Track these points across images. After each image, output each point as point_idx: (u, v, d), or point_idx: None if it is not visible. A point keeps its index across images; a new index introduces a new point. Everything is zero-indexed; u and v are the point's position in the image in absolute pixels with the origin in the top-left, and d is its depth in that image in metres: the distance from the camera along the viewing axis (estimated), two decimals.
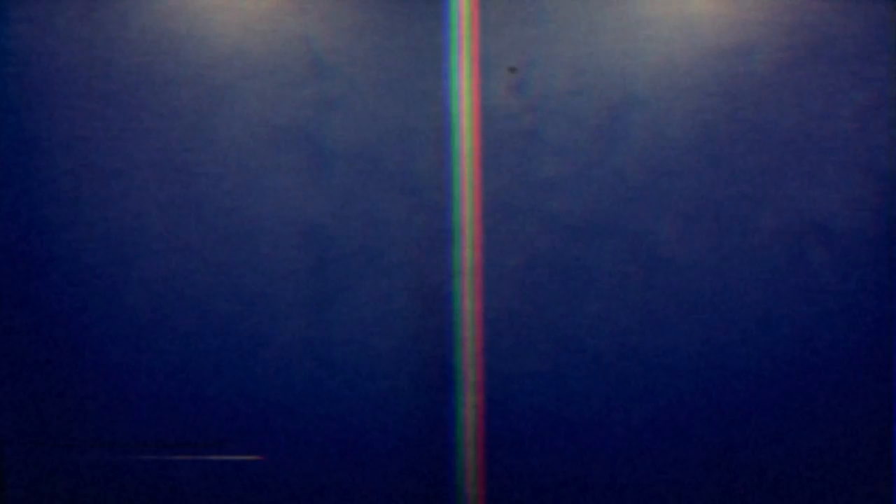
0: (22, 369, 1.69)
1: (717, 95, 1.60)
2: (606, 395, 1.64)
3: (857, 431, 1.63)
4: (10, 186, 1.66)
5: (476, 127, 1.63)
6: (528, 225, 1.63)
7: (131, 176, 1.65)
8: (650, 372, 1.63)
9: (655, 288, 1.63)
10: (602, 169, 1.62)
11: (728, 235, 1.61)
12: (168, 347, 1.66)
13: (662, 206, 1.62)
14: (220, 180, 1.65)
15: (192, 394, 1.67)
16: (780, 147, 1.60)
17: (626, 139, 1.61)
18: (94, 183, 1.65)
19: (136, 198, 1.65)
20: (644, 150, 1.61)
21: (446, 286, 1.64)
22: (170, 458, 1.68)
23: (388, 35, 1.63)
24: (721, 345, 1.62)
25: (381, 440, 1.67)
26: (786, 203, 1.60)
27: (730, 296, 1.62)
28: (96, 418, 1.68)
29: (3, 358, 1.69)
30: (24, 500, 1.70)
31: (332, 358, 1.66)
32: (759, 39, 1.60)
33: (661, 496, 1.65)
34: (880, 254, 1.60)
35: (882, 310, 1.61)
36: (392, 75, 1.63)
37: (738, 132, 1.60)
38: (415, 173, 1.64)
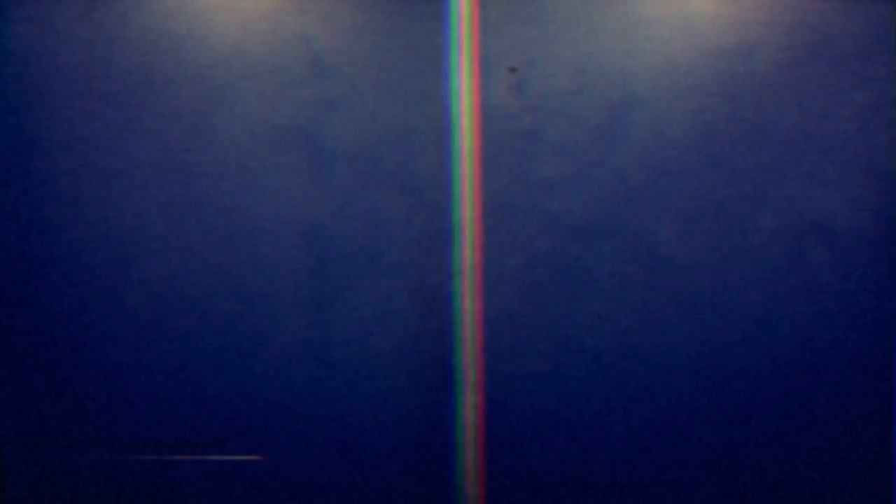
0: (22, 369, 1.69)
1: (717, 95, 1.60)
2: (606, 395, 1.64)
3: (857, 431, 1.63)
4: (10, 186, 1.66)
5: (476, 127, 1.63)
6: (528, 225, 1.63)
7: (131, 176, 1.65)
8: (650, 372, 1.63)
9: (655, 288, 1.63)
10: (602, 169, 1.62)
11: (728, 235, 1.61)
12: (168, 347, 1.66)
13: (662, 206, 1.62)
14: (220, 180, 1.65)
15: (192, 394, 1.67)
16: (780, 147, 1.60)
17: (626, 139, 1.61)
18: (94, 183, 1.65)
19: (136, 198, 1.65)
20: (644, 150, 1.61)
21: (446, 286, 1.64)
22: (170, 458, 1.68)
23: (388, 35, 1.63)
24: (721, 345, 1.62)
25: (381, 440, 1.67)
26: (786, 203, 1.61)
27: (730, 296, 1.62)
28: (96, 418, 1.68)
29: (3, 358, 1.69)
30: (24, 500, 1.70)
31: (332, 358, 1.66)
32: (759, 39, 1.60)
33: (661, 496, 1.65)
34: (880, 254, 1.60)
35: (882, 310, 1.61)
36: (392, 75, 1.63)
37: (738, 132, 1.60)
38: (415, 173, 1.64)
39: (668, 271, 1.62)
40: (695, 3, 1.60)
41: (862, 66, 1.59)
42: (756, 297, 1.62)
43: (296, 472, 1.68)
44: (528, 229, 1.63)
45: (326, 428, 1.67)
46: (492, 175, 1.63)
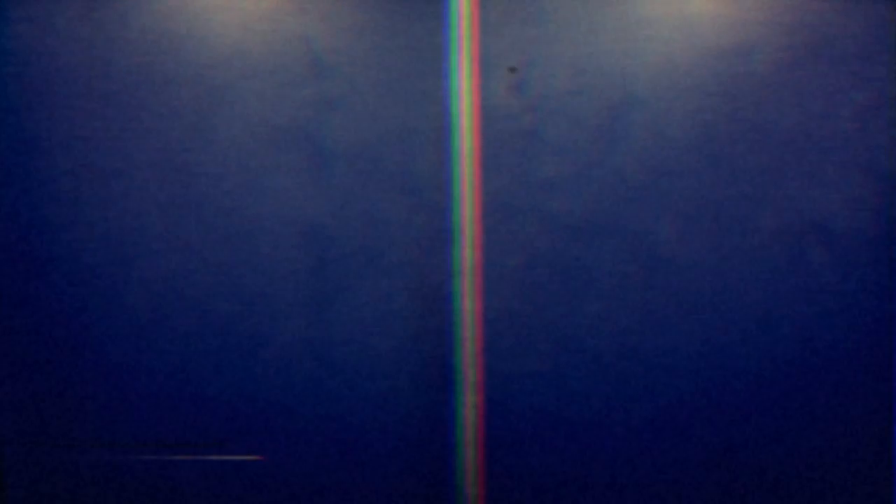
0: (22, 369, 1.69)
1: (717, 95, 1.60)
2: (606, 395, 1.64)
3: (857, 431, 1.63)
4: (10, 186, 1.66)
5: (476, 127, 1.63)
6: (528, 225, 1.63)
7: (131, 176, 1.65)
8: (650, 372, 1.63)
9: (655, 288, 1.63)
10: (602, 169, 1.62)
11: (728, 235, 1.61)
12: (168, 347, 1.66)
13: (662, 206, 1.62)
14: (220, 180, 1.65)
15: (192, 394, 1.67)
16: (780, 147, 1.60)
17: (626, 139, 1.61)
18: (94, 183, 1.65)
19: (136, 198, 1.65)
20: (644, 150, 1.61)
21: (446, 286, 1.64)
22: (170, 458, 1.68)
23: (388, 35, 1.63)
24: (721, 345, 1.62)
25: (381, 440, 1.67)
26: (786, 203, 1.60)
27: (730, 296, 1.62)
28: (96, 418, 1.68)
29: (3, 358, 1.69)
30: (24, 500, 1.70)
31: (332, 358, 1.66)
32: (759, 39, 1.60)
33: (661, 496, 1.65)
34: (880, 254, 1.61)
35: (882, 310, 1.61)
36: (392, 75, 1.63)
37: (738, 132, 1.60)
38: (415, 173, 1.64)
39: (668, 271, 1.62)
40: (695, 3, 1.60)
41: (862, 66, 1.59)
42: (756, 297, 1.62)
43: (296, 472, 1.68)
44: (528, 229, 1.63)
45: (326, 428, 1.67)
46: (492, 175, 1.63)
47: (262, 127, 1.64)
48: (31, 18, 1.64)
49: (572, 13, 1.61)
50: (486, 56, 1.62)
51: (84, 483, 1.69)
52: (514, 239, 1.63)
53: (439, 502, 1.67)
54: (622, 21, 1.61)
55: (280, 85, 1.64)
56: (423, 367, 1.65)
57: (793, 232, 1.61)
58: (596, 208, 1.62)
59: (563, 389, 1.64)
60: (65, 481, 1.70)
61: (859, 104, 1.59)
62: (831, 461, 1.63)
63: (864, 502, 1.64)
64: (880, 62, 1.59)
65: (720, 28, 1.60)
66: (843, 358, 1.62)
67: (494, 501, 1.66)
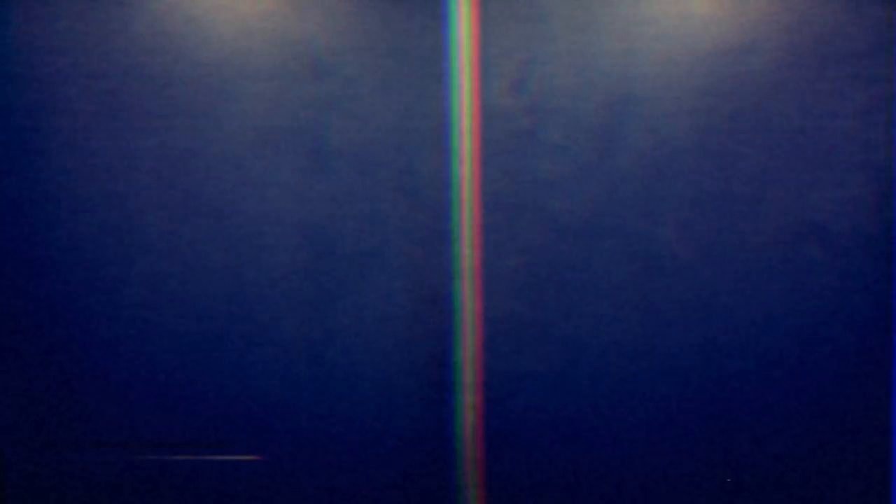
0: (22, 369, 1.69)
1: (717, 95, 1.60)
2: (606, 395, 1.64)
3: (857, 431, 1.63)
4: (11, 186, 1.66)
5: (476, 127, 1.63)
6: (528, 225, 1.63)
7: (131, 176, 1.65)
8: (650, 372, 1.63)
9: (655, 288, 1.63)
10: (602, 169, 1.62)
11: (728, 235, 1.61)
12: (168, 347, 1.67)
13: (662, 206, 1.62)
14: (220, 180, 1.65)
15: (192, 394, 1.67)
16: (779, 147, 1.60)
17: (626, 139, 1.61)
18: (94, 183, 1.65)
19: (135, 197, 1.65)
20: (644, 150, 1.61)
21: (446, 286, 1.64)
22: (170, 458, 1.68)
23: (387, 35, 1.63)
24: (721, 344, 1.62)
25: (381, 440, 1.67)
26: (785, 203, 1.60)
27: (729, 295, 1.62)
28: (96, 418, 1.69)
29: (3, 358, 1.69)
30: (24, 500, 1.70)
31: (331, 358, 1.66)
32: (759, 39, 1.60)
33: (662, 496, 1.65)
34: (880, 254, 1.60)
35: (882, 310, 1.61)
36: (392, 75, 1.63)
37: (738, 132, 1.60)
38: (415, 173, 1.64)
39: (667, 271, 1.62)
40: (695, 2, 1.60)
41: (862, 66, 1.59)
42: (756, 297, 1.62)
43: (295, 472, 1.68)
44: (528, 229, 1.63)
45: (326, 428, 1.67)
46: (492, 175, 1.63)
47: (262, 127, 1.64)
48: (31, 18, 1.64)
49: (572, 13, 1.61)
50: (486, 56, 1.62)
51: (84, 483, 1.69)
52: (513, 239, 1.63)
53: (439, 502, 1.67)
54: (622, 21, 1.61)
55: (280, 85, 1.64)
56: (423, 367, 1.65)
57: (792, 232, 1.61)
58: (596, 208, 1.62)
59: (563, 389, 1.64)
60: (65, 481, 1.70)
61: (859, 104, 1.59)
62: (831, 461, 1.63)
63: (864, 502, 1.64)
64: (880, 62, 1.59)
65: (720, 28, 1.60)
66: (843, 358, 1.62)
67: (494, 501, 1.66)
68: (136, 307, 1.66)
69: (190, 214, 1.65)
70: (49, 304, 1.67)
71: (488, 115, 1.62)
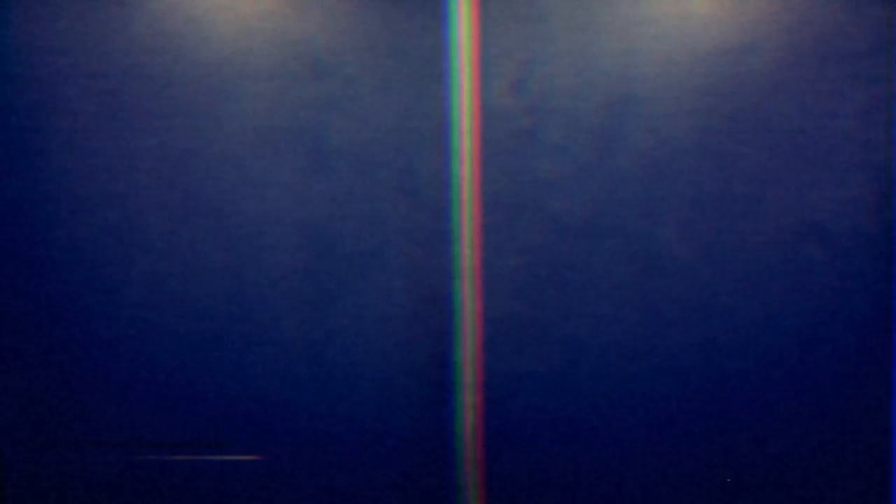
0: (22, 369, 1.69)
1: (717, 95, 1.60)
2: (606, 395, 1.64)
3: (857, 431, 1.63)
4: (11, 186, 1.66)
5: (476, 127, 1.63)
6: (528, 225, 1.63)
7: (131, 176, 1.65)
8: (649, 372, 1.63)
9: (655, 288, 1.63)
10: (602, 169, 1.62)
11: (728, 235, 1.61)
12: (168, 347, 1.67)
13: (662, 206, 1.62)
14: (220, 180, 1.65)
15: (192, 394, 1.67)
16: (779, 147, 1.60)
17: (626, 139, 1.61)
18: (94, 182, 1.65)
19: (135, 197, 1.65)
20: (644, 150, 1.61)
21: (446, 286, 1.64)
22: (170, 458, 1.68)
23: (387, 35, 1.63)
24: (720, 344, 1.62)
25: (381, 440, 1.67)
26: (785, 203, 1.60)
27: (729, 295, 1.62)
28: (96, 418, 1.69)
29: (3, 358, 1.69)
30: (24, 500, 1.70)
31: (331, 358, 1.66)
32: (759, 39, 1.60)
33: (662, 496, 1.65)
34: (880, 254, 1.60)
35: (882, 310, 1.61)
36: (392, 75, 1.63)
37: (738, 132, 1.60)
38: (415, 173, 1.64)
39: (667, 271, 1.62)
40: (695, 2, 1.60)
41: (862, 65, 1.59)
42: (755, 297, 1.62)
43: (295, 472, 1.68)
44: (528, 229, 1.63)
45: (326, 428, 1.67)
46: (492, 175, 1.63)
47: (262, 127, 1.64)
48: (32, 18, 1.64)
49: (572, 13, 1.61)
50: (486, 56, 1.62)
51: (84, 483, 1.69)
52: (514, 239, 1.63)
53: (439, 502, 1.67)
54: (622, 21, 1.61)
55: (280, 85, 1.64)
56: (423, 367, 1.65)
57: (792, 232, 1.61)
58: (596, 208, 1.62)
59: (563, 389, 1.64)
60: (65, 481, 1.70)
61: (859, 104, 1.59)
62: (831, 461, 1.63)
63: (864, 502, 1.64)
64: (880, 62, 1.59)
65: (720, 28, 1.60)
66: (843, 358, 1.62)
67: (494, 501, 1.66)
68: (136, 307, 1.66)
69: (190, 214, 1.65)
70: (49, 304, 1.67)
71: (488, 115, 1.62)
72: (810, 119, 1.60)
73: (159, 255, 1.65)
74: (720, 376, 1.63)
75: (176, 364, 1.67)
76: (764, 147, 1.60)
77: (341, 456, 1.67)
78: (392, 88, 1.63)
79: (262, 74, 1.64)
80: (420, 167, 1.64)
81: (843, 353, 1.62)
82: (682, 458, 1.64)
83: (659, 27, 1.60)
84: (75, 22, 1.64)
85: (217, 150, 1.64)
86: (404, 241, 1.64)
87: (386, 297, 1.65)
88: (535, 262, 1.63)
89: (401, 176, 1.64)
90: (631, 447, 1.65)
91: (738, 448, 1.64)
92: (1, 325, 1.68)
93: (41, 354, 1.68)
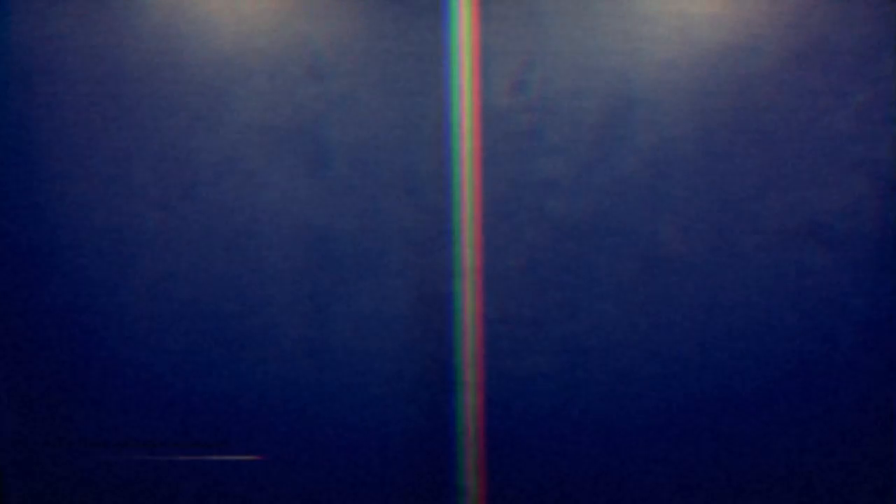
0: (22, 369, 1.69)
1: (717, 95, 1.60)
2: (606, 395, 1.64)
3: (858, 432, 1.63)
4: (11, 186, 1.66)
5: (476, 127, 1.63)
6: (528, 225, 1.63)
7: (131, 176, 1.65)
8: (650, 372, 1.63)
9: (655, 288, 1.63)
10: (602, 169, 1.62)
11: (728, 235, 1.61)
12: (168, 347, 1.67)
13: (662, 206, 1.62)
14: (220, 180, 1.65)
15: (192, 394, 1.67)
16: (780, 147, 1.60)
17: (626, 139, 1.61)
18: (94, 182, 1.65)
19: (135, 197, 1.65)
20: (644, 150, 1.61)
21: (446, 287, 1.64)
22: (170, 458, 1.68)
23: (387, 35, 1.63)
24: (721, 345, 1.62)
25: (381, 440, 1.67)
26: (786, 203, 1.60)
27: (730, 295, 1.62)
28: (96, 418, 1.69)
29: (3, 358, 1.69)
30: (24, 500, 1.70)
31: (331, 358, 1.66)
32: (759, 39, 1.60)
33: (663, 496, 1.65)
34: (880, 254, 1.61)
35: (883, 309, 1.61)
36: (392, 75, 1.63)
37: (738, 132, 1.60)
38: (415, 173, 1.64)
39: (668, 271, 1.62)
40: (695, 2, 1.60)
41: (862, 65, 1.59)
42: (756, 297, 1.62)
43: (296, 472, 1.68)
44: (529, 230, 1.63)
45: (326, 428, 1.67)
46: (492, 175, 1.63)
47: (262, 127, 1.64)
48: (32, 18, 1.64)
49: (572, 13, 1.61)
50: (486, 56, 1.62)
51: (84, 483, 1.69)
52: (514, 239, 1.63)
53: (439, 502, 1.67)
54: (622, 21, 1.61)
55: (280, 85, 1.64)
56: (424, 368, 1.65)
57: (793, 231, 1.61)
58: (596, 208, 1.62)
59: (563, 389, 1.64)
60: (65, 481, 1.70)
61: (859, 104, 1.59)
62: (832, 461, 1.63)
63: (867, 502, 1.64)
64: (880, 62, 1.59)
65: (720, 28, 1.60)
66: (845, 357, 1.62)
67: (495, 501, 1.66)
68: (135, 307, 1.66)
69: (189, 214, 1.65)
70: (49, 305, 1.67)
71: (488, 115, 1.62)
72: (810, 119, 1.60)
73: (159, 254, 1.65)
74: (721, 376, 1.63)
75: (176, 364, 1.67)
76: (764, 147, 1.60)
77: (341, 456, 1.67)
78: (392, 88, 1.63)
79: (262, 74, 1.64)
80: (420, 167, 1.64)
81: (845, 352, 1.62)
82: (683, 457, 1.64)
83: (659, 27, 1.60)
84: (75, 22, 1.64)
85: (217, 149, 1.64)
86: (404, 242, 1.64)
87: (386, 297, 1.65)
88: (536, 263, 1.63)
89: (401, 176, 1.64)
90: (632, 447, 1.65)
91: (738, 448, 1.64)
92: (1, 325, 1.68)
93: (41, 354, 1.68)
